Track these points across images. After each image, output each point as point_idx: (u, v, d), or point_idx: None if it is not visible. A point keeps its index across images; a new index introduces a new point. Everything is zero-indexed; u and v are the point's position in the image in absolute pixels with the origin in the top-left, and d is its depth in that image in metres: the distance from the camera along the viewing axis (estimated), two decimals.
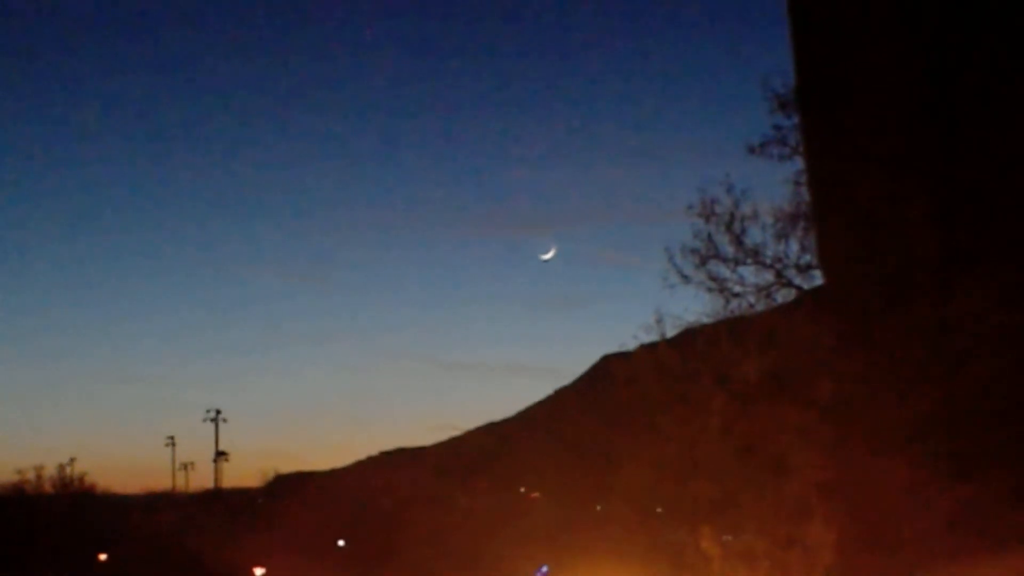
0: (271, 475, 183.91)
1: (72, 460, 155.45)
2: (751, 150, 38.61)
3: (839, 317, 7.55)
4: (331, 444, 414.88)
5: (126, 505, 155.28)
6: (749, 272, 40.12)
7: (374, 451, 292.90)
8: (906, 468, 7.14)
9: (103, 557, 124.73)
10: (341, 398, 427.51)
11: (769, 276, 39.68)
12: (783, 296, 39.98)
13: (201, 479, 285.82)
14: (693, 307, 42.36)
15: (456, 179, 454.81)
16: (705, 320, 42.12)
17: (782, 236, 39.12)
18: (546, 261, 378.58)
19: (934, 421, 6.95)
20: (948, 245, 6.82)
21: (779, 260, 39.37)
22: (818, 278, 38.77)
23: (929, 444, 6.98)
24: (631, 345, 48.92)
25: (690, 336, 44.19)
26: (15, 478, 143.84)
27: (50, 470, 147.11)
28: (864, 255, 7.13)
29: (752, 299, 40.18)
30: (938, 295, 6.72)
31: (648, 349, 46.24)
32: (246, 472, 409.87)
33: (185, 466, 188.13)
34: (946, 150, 6.90)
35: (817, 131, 7.70)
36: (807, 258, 38.49)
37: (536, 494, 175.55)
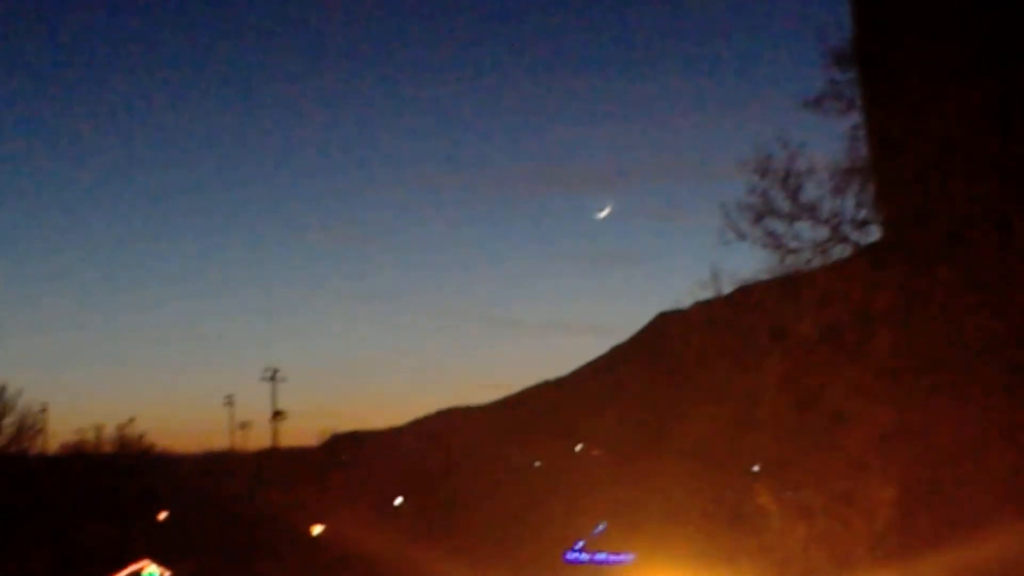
0: (328, 434, 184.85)
1: (131, 420, 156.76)
2: (807, 105, 38.34)
3: (899, 270, 7.62)
4: (387, 403, 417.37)
5: (184, 464, 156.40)
6: (805, 228, 39.91)
7: (430, 410, 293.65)
8: (968, 424, 7.20)
9: (163, 515, 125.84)
10: (397, 357, 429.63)
11: (825, 232, 39.45)
12: (839, 252, 39.76)
13: (258, 439, 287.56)
14: (749, 263, 42.21)
15: (511, 137, 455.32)
16: (761, 276, 41.98)
17: (838, 191, 38.88)
18: (601, 219, 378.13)
19: (995, 378, 7.00)
20: (1007, 194, 6.87)
21: (835, 215, 39.14)
22: (875, 233, 38.62)
23: (991, 400, 7.03)
24: (687, 302, 48.87)
25: (746, 292, 44.05)
26: (75, 438, 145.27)
27: (109, 430, 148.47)
28: (923, 207, 7.19)
29: (808, 255, 40.00)
30: (998, 245, 6.78)
31: (704, 306, 46.17)
32: (303, 431, 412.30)
33: (242, 425, 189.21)
34: (1005, 101, 6.92)
35: (875, 84, 7.74)
36: (863, 213, 38.28)
37: (597, 451, 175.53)
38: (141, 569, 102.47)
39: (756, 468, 42.78)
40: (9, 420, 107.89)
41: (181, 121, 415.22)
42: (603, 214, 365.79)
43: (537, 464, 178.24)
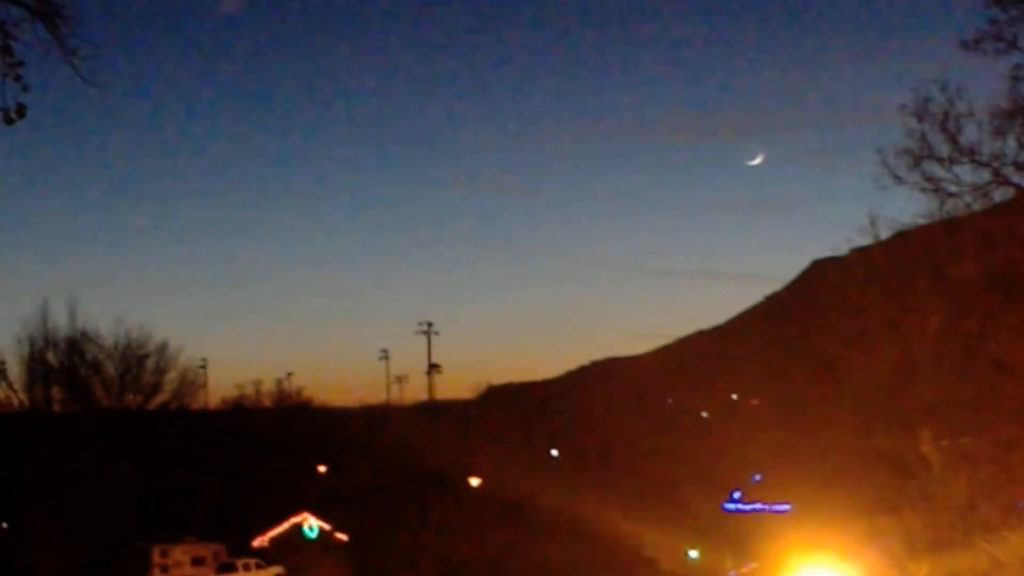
0: (484, 387, 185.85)
1: (289, 375, 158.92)
2: (965, 46, 37.60)
3: None
4: (542, 355, 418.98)
5: (342, 418, 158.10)
6: (965, 171, 39.16)
7: (585, 361, 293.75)
8: None
9: (322, 468, 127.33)
10: (551, 309, 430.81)
11: (986, 175, 38.70)
12: (1001, 195, 38.99)
13: (415, 391, 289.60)
14: (907, 209, 41.51)
15: (663, 87, 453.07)
16: (920, 221, 41.27)
17: (999, 133, 38.10)
18: (754, 166, 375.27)
19: None
20: None
21: (996, 158, 38.37)
22: None
23: None
24: (844, 249, 48.24)
25: (904, 238, 43.39)
26: (236, 392, 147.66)
27: (268, 385, 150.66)
28: None
29: (968, 199, 39.25)
30: None
31: (861, 252, 45.54)
32: (459, 384, 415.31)
33: (399, 379, 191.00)
34: None
35: None
36: None
37: (755, 400, 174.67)
38: (302, 521, 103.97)
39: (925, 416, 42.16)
40: (171, 376, 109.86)
41: (339, 75, 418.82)
42: (755, 161, 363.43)
43: (704, 415, 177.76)
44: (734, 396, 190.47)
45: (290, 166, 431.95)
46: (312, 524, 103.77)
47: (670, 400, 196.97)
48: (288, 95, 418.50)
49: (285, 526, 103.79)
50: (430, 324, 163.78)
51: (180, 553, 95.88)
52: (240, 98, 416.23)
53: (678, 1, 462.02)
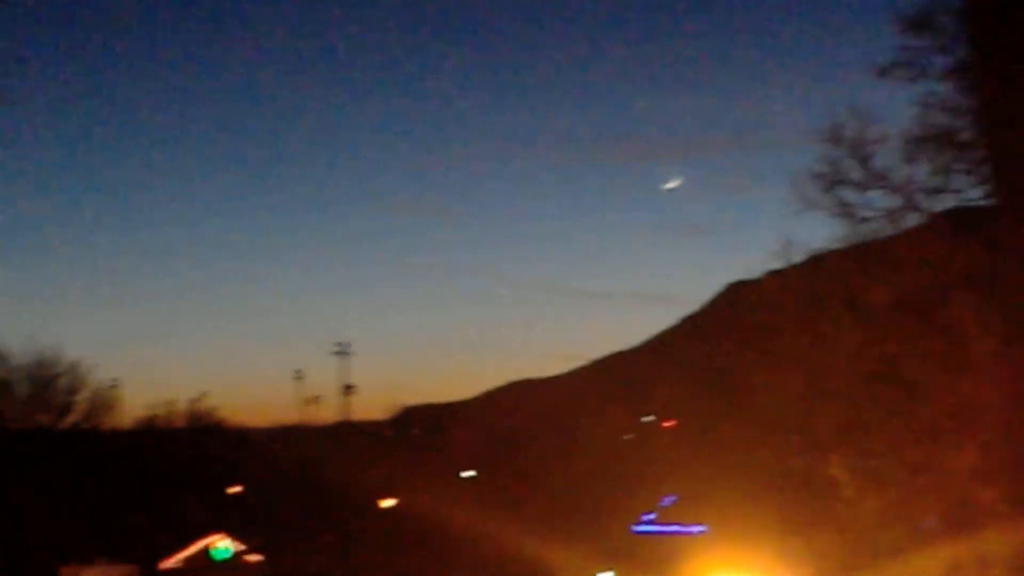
0: (399, 407, 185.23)
1: (202, 394, 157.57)
2: (879, 73, 38.08)
3: (1001, 236, 7.37)
4: (459, 376, 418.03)
5: (255, 438, 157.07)
6: (877, 196, 39.65)
7: (501, 382, 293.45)
8: None
9: (234, 489, 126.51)
10: (467, 329, 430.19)
11: (897, 200, 39.17)
12: (912, 220, 39.45)
13: (329, 412, 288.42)
14: (820, 233, 41.94)
15: (583, 109, 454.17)
16: (833, 246, 41.70)
17: (910, 159, 38.58)
18: (670, 190, 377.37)
19: None
20: None
21: (907, 184, 38.85)
22: (948, 201, 38.26)
23: None
24: (758, 272, 48.64)
25: (818, 262, 43.80)
26: (148, 413, 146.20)
27: (181, 405, 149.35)
28: None
29: (880, 223, 39.71)
30: None
31: (776, 275, 45.95)
32: (374, 405, 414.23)
33: (313, 400, 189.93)
34: None
35: (987, 46, 7.48)
36: (936, 181, 37.95)
37: (670, 422, 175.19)
38: (214, 542, 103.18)
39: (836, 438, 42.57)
40: (82, 396, 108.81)
41: (253, 93, 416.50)
42: (671, 185, 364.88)
43: (627, 437, 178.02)
44: (650, 417, 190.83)
45: (203, 186, 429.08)
46: (224, 545, 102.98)
47: (585, 421, 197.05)
48: (201, 116, 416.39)
49: (197, 547, 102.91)
50: (345, 344, 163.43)
51: (90, 574, 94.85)
52: (149, 118, 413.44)
53: (600, 26, 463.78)
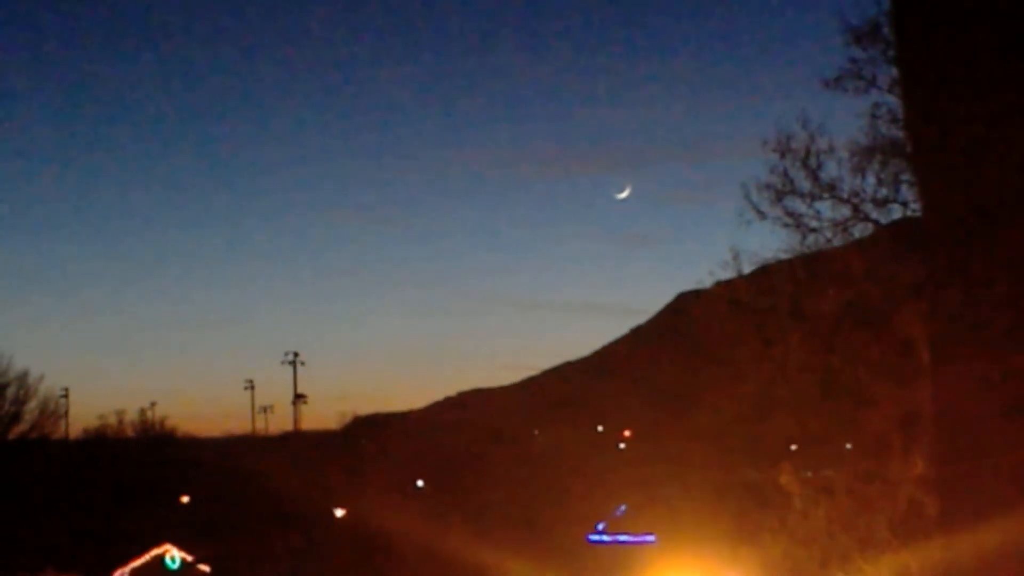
0: (349, 417, 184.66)
1: (153, 404, 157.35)
2: (826, 84, 38.32)
3: (935, 249, 7.47)
4: (409, 386, 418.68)
5: (207, 448, 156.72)
6: (826, 207, 39.81)
7: (451, 392, 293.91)
8: (993, 407, 7.07)
9: (185, 499, 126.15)
10: (418, 340, 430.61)
11: (846, 211, 39.36)
12: (860, 231, 39.67)
13: (280, 422, 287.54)
14: (769, 243, 42.09)
15: (534, 120, 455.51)
16: (782, 256, 41.86)
17: (858, 170, 38.80)
18: (621, 200, 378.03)
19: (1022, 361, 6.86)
20: None
21: (856, 194, 39.04)
22: (896, 212, 38.53)
23: (1019, 384, 6.89)
24: (707, 282, 48.73)
25: (766, 272, 43.95)
26: (97, 423, 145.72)
27: (131, 414, 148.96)
28: (962, 184, 7.02)
29: (829, 234, 39.90)
30: None
31: (724, 286, 46.05)
32: (325, 414, 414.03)
33: (264, 409, 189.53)
34: None
35: (913, 60, 7.58)
36: (884, 192, 38.19)
37: (622, 432, 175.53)
38: (164, 553, 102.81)
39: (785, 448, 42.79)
40: (31, 405, 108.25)
41: (205, 104, 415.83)
42: (622, 195, 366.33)
43: (578, 446, 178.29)
44: (600, 428, 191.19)
45: (157, 194, 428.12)
46: (174, 555, 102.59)
47: (536, 431, 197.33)
48: (152, 129, 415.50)
49: (147, 557, 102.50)
50: (296, 354, 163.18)
51: None
52: (100, 125, 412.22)
53: (548, 36, 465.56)
